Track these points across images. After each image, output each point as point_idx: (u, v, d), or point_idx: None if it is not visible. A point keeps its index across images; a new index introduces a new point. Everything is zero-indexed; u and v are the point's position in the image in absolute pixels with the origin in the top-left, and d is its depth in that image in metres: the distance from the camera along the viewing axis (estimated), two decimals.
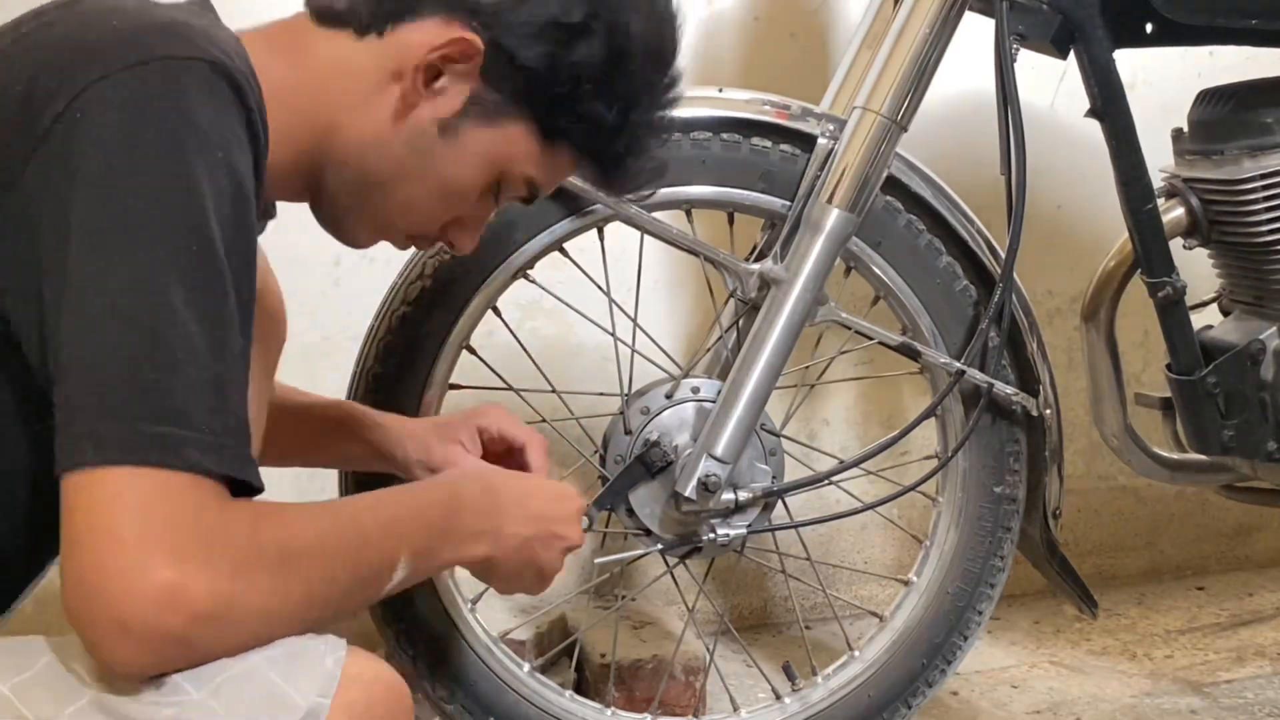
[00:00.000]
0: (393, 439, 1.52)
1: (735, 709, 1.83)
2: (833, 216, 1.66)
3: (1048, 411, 1.79)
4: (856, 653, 1.84)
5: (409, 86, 1.19)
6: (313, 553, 1.03)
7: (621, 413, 1.71)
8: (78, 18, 1.10)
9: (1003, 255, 1.72)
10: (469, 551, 1.22)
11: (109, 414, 0.95)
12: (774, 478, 1.72)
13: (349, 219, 1.26)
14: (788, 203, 1.70)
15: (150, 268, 0.98)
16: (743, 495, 1.69)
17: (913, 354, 1.76)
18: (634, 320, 1.74)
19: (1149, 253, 1.78)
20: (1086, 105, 1.74)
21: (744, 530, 1.69)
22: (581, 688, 1.90)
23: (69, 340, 0.97)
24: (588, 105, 1.22)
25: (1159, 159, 1.83)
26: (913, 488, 1.78)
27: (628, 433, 1.70)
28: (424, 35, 1.18)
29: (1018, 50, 1.69)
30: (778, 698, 1.83)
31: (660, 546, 1.70)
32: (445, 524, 1.20)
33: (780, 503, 1.75)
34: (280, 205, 1.29)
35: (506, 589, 1.34)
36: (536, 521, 1.29)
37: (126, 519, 0.94)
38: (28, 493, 1.06)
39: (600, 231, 1.70)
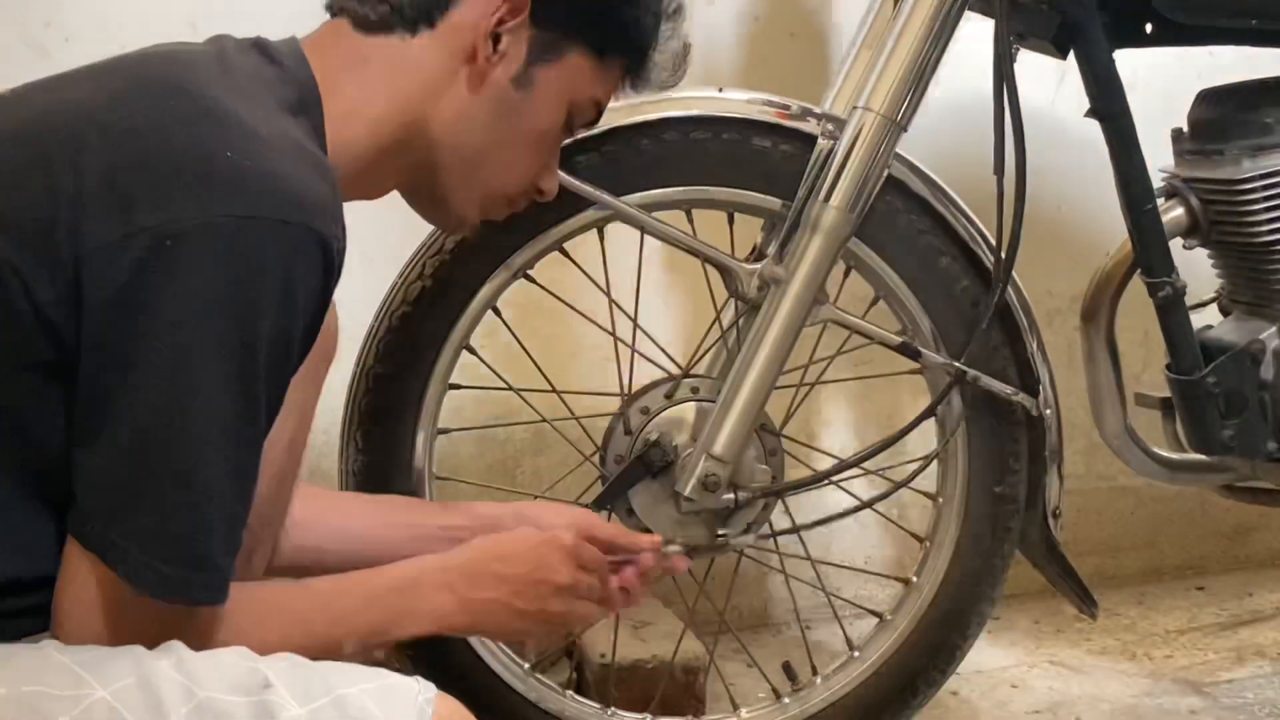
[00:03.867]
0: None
1: (735, 709, 1.83)
2: (832, 216, 1.66)
3: (1048, 411, 1.79)
4: (856, 653, 1.84)
5: (482, 61, 1.26)
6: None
7: (621, 413, 1.71)
8: (187, 105, 1.12)
9: (1002, 255, 1.72)
10: (431, 626, 1.28)
11: (136, 542, 1.08)
12: (774, 477, 1.72)
13: (456, 199, 1.34)
14: (788, 203, 1.69)
15: (194, 414, 1.07)
16: (742, 495, 1.69)
17: (913, 354, 1.76)
18: (634, 320, 1.74)
19: (1149, 253, 1.78)
20: (1086, 105, 1.74)
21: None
22: (581, 688, 1.90)
23: (103, 449, 1.07)
24: (622, 12, 1.33)
25: (1159, 159, 1.83)
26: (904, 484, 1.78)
27: (628, 433, 1.70)
28: (474, 12, 1.26)
29: (1018, 50, 1.69)
30: (778, 698, 1.83)
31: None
32: (399, 606, 1.27)
33: (780, 503, 1.75)
34: None
35: (532, 643, 1.47)
36: (508, 581, 1.31)
37: (118, 626, 1.09)
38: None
39: (600, 231, 1.70)
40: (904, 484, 1.76)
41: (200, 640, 1.10)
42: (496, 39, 1.27)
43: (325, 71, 1.24)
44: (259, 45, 1.26)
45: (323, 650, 1.17)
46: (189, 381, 1.06)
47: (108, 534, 1.08)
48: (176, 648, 1.08)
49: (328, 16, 1.36)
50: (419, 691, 1.09)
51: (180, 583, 1.09)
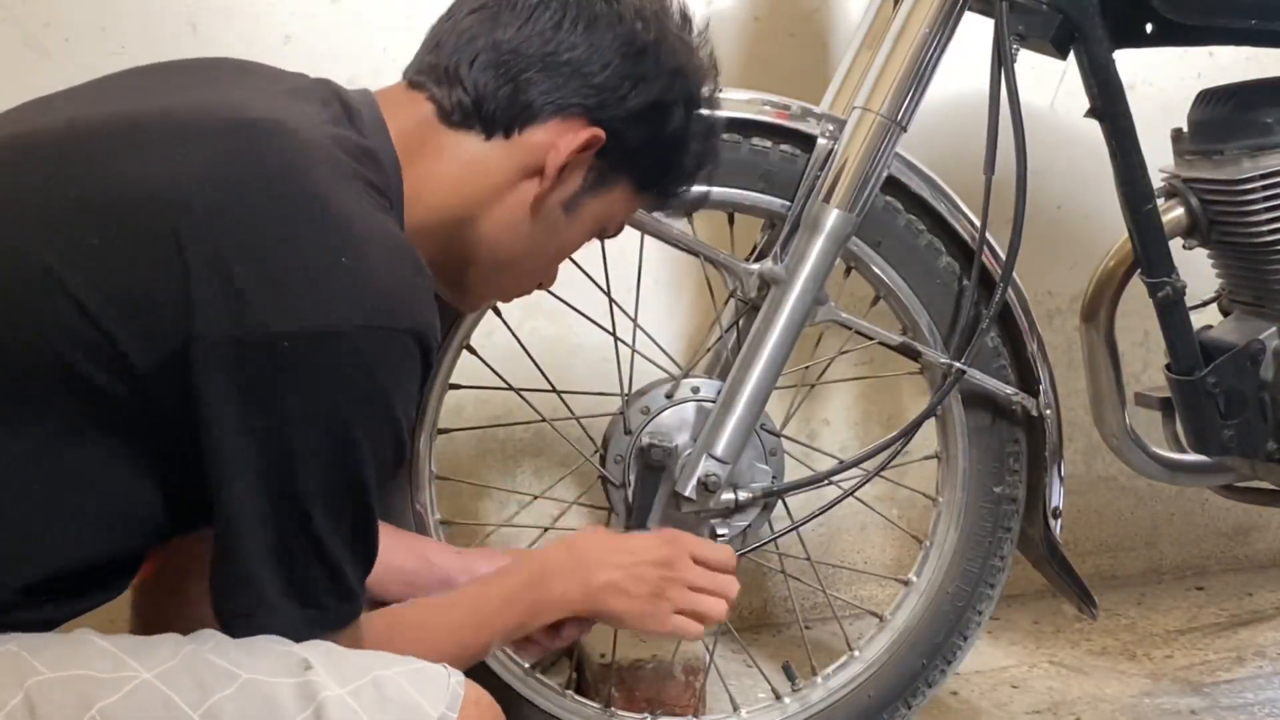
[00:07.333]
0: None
1: (735, 709, 1.83)
2: (832, 216, 1.66)
3: (1048, 411, 1.79)
4: (856, 653, 1.84)
5: (545, 183, 1.30)
6: None
7: (621, 413, 1.71)
8: (300, 198, 1.12)
9: (1003, 255, 1.72)
10: (563, 611, 1.42)
11: (279, 600, 1.13)
12: (774, 478, 1.72)
13: (476, 292, 1.40)
14: (788, 203, 1.69)
15: (301, 514, 1.11)
16: (742, 495, 1.69)
17: (913, 354, 1.76)
18: (634, 320, 1.74)
19: (1149, 253, 1.78)
20: (1086, 105, 1.74)
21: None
22: (581, 688, 1.90)
23: (239, 526, 1.11)
24: (673, 158, 1.37)
25: (1159, 159, 1.83)
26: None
27: (628, 433, 1.70)
28: (549, 135, 1.29)
29: (1018, 50, 1.69)
30: (778, 698, 1.83)
31: None
32: (533, 600, 1.39)
33: (780, 503, 1.75)
34: None
35: (651, 633, 1.50)
36: (626, 567, 1.43)
37: None
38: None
39: None
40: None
41: None
42: (563, 165, 1.30)
43: (404, 152, 1.27)
44: (349, 111, 1.26)
45: (472, 657, 1.32)
46: (294, 481, 1.10)
47: (223, 612, 1.14)
48: (214, 634, 1.12)
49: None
50: (449, 675, 1.15)
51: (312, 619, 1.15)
